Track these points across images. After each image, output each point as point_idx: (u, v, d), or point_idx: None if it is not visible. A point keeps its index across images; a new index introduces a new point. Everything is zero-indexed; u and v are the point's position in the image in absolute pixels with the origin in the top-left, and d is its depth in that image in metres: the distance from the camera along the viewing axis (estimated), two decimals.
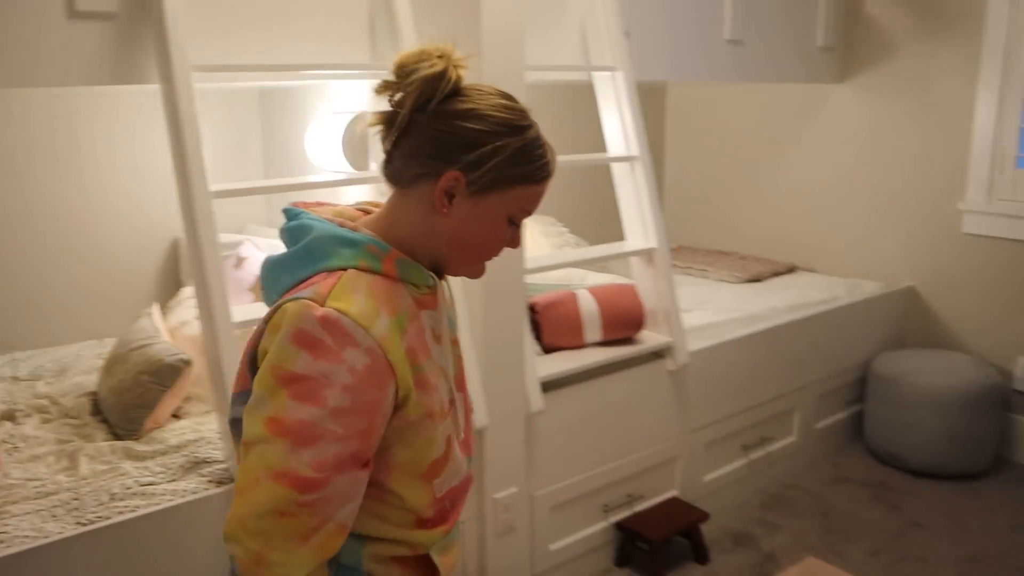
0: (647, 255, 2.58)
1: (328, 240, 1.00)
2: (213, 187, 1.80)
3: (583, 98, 3.01)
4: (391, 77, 1.02)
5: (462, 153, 1.00)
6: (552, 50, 2.62)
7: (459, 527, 1.18)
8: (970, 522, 2.78)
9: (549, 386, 2.28)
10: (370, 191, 2.56)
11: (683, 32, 2.93)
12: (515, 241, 1.07)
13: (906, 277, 3.46)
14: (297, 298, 0.95)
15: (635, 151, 2.59)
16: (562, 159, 2.49)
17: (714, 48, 3.05)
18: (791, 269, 3.66)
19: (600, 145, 2.69)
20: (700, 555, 2.56)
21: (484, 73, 2.00)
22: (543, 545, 2.36)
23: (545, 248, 3.15)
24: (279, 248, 1.07)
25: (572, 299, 2.46)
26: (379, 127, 1.05)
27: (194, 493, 1.76)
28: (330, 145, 2.48)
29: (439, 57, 1.00)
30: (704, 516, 2.56)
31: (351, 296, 0.96)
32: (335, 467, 0.93)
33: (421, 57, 1.01)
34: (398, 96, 1.02)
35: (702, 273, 3.57)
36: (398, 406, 0.99)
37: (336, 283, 0.97)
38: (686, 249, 3.97)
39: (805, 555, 2.58)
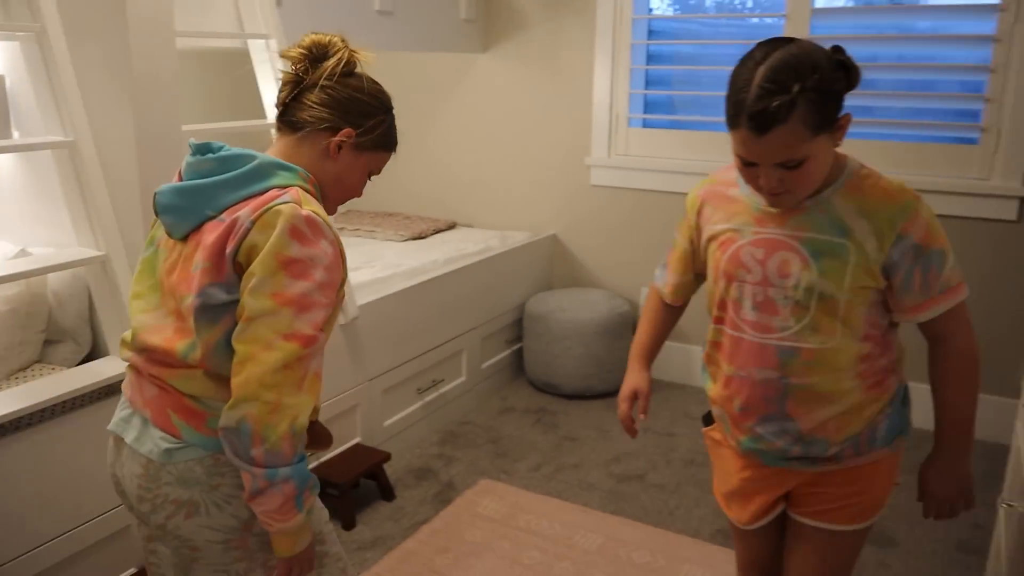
0: None
1: (271, 165, 1.29)
2: None
3: (237, 66, 3.01)
4: (294, 51, 1.34)
5: (359, 118, 1.36)
6: (207, 17, 2.60)
7: None
8: (612, 430, 3.26)
9: None
10: (14, 160, 2.39)
11: (336, 2, 3.03)
12: (361, 192, 1.45)
13: (549, 226, 3.91)
14: (286, 202, 1.23)
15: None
16: (208, 127, 2.51)
17: (365, 18, 3.19)
18: (451, 226, 3.95)
19: (255, 112, 2.74)
20: (386, 493, 2.75)
21: (131, 40, 1.96)
22: None
23: None
24: None
25: None
26: (284, 85, 1.35)
27: None
28: None
29: (344, 46, 1.35)
30: (386, 457, 2.75)
31: (313, 204, 1.27)
32: (321, 327, 1.23)
33: (329, 43, 1.35)
34: (301, 65, 1.34)
35: (370, 234, 3.74)
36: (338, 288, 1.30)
37: (299, 195, 1.26)
38: (354, 212, 4.12)
39: (479, 479, 2.88)
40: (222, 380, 1.25)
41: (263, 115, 2.74)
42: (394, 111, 1.42)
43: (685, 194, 1.51)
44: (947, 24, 3.21)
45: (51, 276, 2.21)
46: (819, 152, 1.29)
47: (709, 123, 3.56)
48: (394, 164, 4.76)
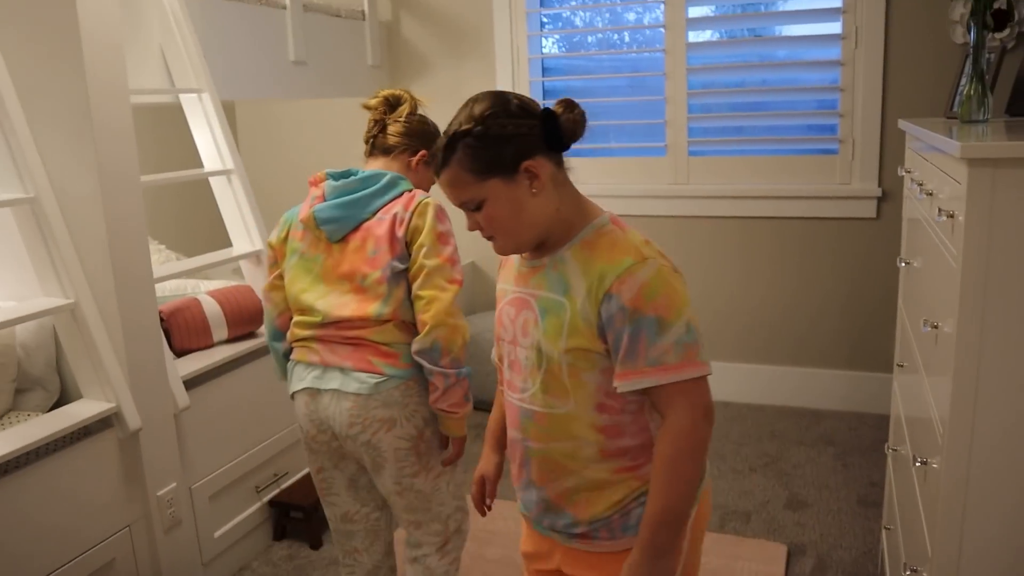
0: (255, 257, 2.85)
1: (396, 178, 1.89)
2: None
3: (163, 118, 3.15)
4: (374, 101, 1.98)
5: (428, 143, 1.93)
6: (134, 73, 2.73)
7: None
8: None
9: (190, 384, 2.44)
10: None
11: (253, 55, 3.22)
12: None
13: (467, 255, 4.15)
14: (427, 197, 1.85)
15: (230, 164, 2.83)
16: (162, 177, 2.67)
17: (282, 69, 3.39)
18: None
19: (188, 162, 2.88)
20: None
21: (91, 99, 2.10)
22: (208, 534, 2.51)
23: None
24: None
25: (196, 303, 2.63)
26: (374, 124, 1.97)
27: None
28: None
29: (410, 95, 1.98)
30: None
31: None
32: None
33: (400, 94, 1.98)
34: (381, 109, 1.96)
35: None
36: None
37: (422, 193, 1.88)
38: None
39: None
40: (405, 327, 1.82)
41: (197, 163, 2.89)
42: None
43: None
44: (800, 52, 3.67)
45: (18, 327, 2.29)
46: (495, 196, 1.31)
47: (600, 149, 3.92)
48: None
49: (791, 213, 3.62)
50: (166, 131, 3.27)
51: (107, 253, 2.17)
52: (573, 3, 3.99)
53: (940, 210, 1.46)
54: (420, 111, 1.99)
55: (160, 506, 2.32)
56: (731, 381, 3.82)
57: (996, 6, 1.83)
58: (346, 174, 1.90)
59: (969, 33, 1.82)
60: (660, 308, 1.25)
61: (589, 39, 4.01)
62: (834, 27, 3.48)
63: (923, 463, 1.60)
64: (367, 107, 1.98)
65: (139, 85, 2.73)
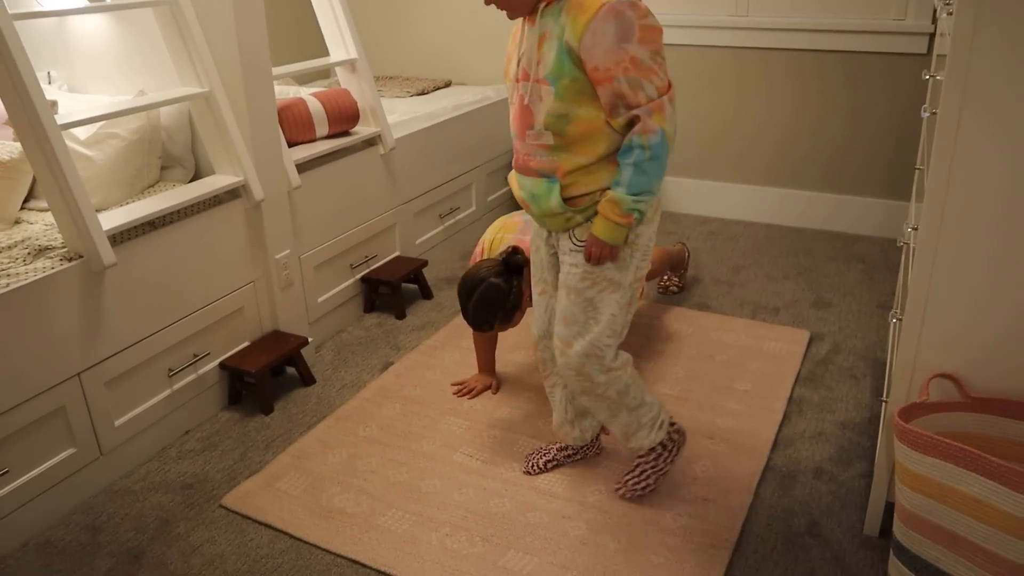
0: (350, 65, 3.20)
1: None
2: None
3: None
4: None
5: None
6: None
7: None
8: None
9: (299, 169, 2.86)
10: (111, 24, 2.84)
11: None
12: None
13: None
14: None
15: None
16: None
17: None
18: (448, 83, 4.46)
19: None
20: (426, 293, 3.38)
21: None
22: (313, 298, 3.00)
23: None
24: None
25: (302, 102, 3.02)
26: None
27: (52, 269, 2.12)
28: None
29: None
30: (424, 263, 3.36)
31: None
32: None
33: None
34: None
35: (379, 93, 4.23)
36: None
37: None
38: None
39: None
40: None
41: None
42: None
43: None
44: None
45: (163, 112, 2.71)
46: None
47: None
48: (389, 31, 5.44)
49: (846, 47, 3.81)
50: None
51: (236, 49, 2.53)
52: None
53: (942, 34, 1.73)
54: None
55: (277, 268, 2.78)
56: (773, 205, 4.14)
57: None
58: None
59: None
60: None
61: None
62: None
63: (914, 229, 1.94)
64: None
65: None
